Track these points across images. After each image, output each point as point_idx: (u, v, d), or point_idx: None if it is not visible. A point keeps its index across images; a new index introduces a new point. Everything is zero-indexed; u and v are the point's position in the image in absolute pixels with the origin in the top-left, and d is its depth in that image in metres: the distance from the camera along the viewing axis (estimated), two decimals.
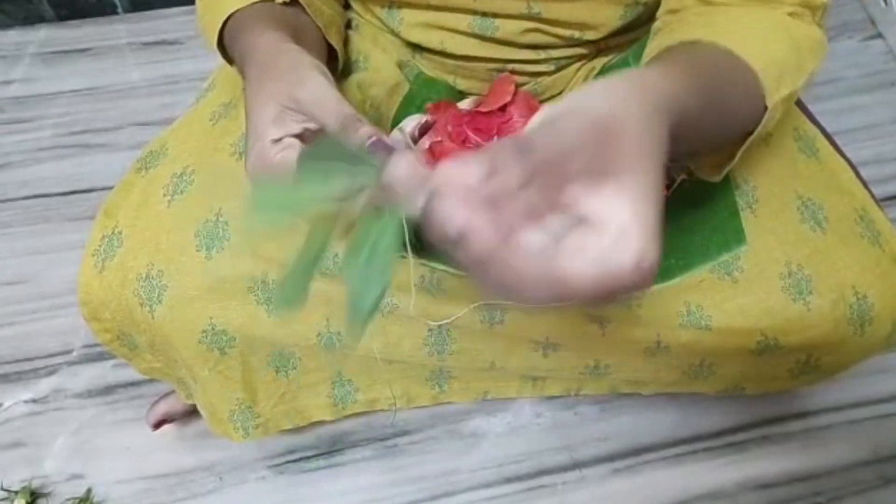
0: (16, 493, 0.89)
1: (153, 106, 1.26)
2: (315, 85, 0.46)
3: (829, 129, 0.70)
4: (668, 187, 0.63)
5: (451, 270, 0.65)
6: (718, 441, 0.93)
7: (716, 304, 0.62)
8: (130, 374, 0.90)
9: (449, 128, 0.68)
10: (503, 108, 0.72)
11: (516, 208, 0.32)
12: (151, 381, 0.92)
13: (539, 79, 0.72)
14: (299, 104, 0.46)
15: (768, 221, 0.61)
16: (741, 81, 0.48)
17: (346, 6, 0.74)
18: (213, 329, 0.61)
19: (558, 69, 0.71)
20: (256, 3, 0.57)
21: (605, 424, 0.94)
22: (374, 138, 0.43)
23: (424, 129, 0.45)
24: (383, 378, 0.72)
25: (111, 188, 0.65)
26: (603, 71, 0.72)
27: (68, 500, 0.89)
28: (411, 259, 0.60)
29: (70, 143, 1.23)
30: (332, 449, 0.93)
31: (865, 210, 0.63)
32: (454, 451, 0.92)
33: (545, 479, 0.90)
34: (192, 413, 0.88)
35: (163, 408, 0.89)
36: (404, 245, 0.36)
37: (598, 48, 0.71)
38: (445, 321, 0.63)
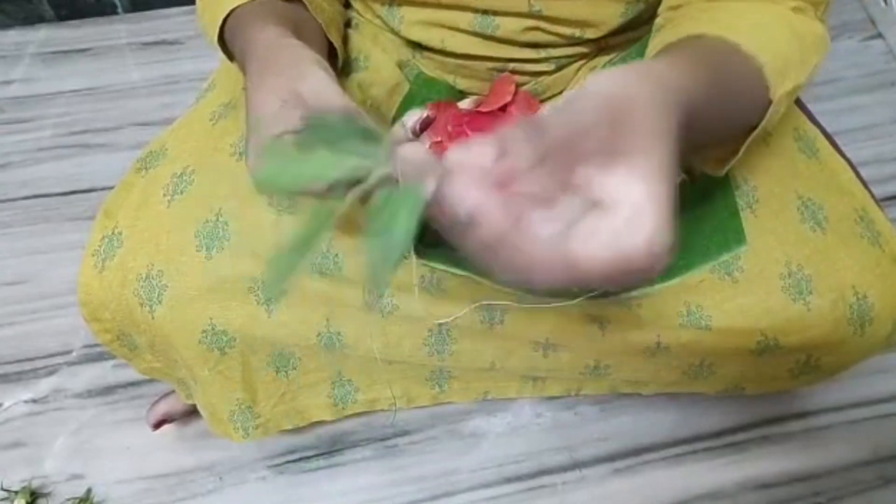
0: (16, 493, 0.89)
1: (153, 106, 1.26)
2: (316, 79, 0.46)
3: (829, 129, 0.70)
4: None
5: (452, 270, 0.65)
6: (718, 441, 0.93)
7: (716, 304, 0.62)
8: (130, 374, 0.90)
9: (449, 128, 0.68)
10: (503, 108, 0.71)
11: (527, 190, 0.32)
12: (151, 381, 0.92)
13: (539, 78, 0.72)
14: (300, 98, 0.45)
15: (768, 221, 0.61)
16: (746, 75, 0.48)
17: (347, 5, 0.74)
18: (213, 329, 0.61)
19: (559, 69, 0.71)
20: None
21: (605, 424, 0.94)
22: None
23: (426, 124, 0.45)
24: (383, 378, 0.72)
25: (111, 188, 0.65)
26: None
27: (68, 500, 0.89)
28: (414, 260, 0.60)
29: (70, 143, 1.23)
30: (332, 449, 0.93)
31: (865, 210, 0.63)
32: (454, 451, 0.92)
33: (545, 479, 0.90)
34: (192, 413, 0.88)
35: (163, 408, 0.89)
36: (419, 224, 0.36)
37: (598, 47, 0.71)
38: (448, 318, 0.63)
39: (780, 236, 0.61)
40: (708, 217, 0.63)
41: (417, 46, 0.72)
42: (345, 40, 0.73)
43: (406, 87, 0.73)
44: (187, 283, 0.59)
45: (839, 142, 0.69)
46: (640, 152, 0.32)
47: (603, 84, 0.35)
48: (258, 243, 0.60)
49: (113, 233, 0.62)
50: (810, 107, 0.71)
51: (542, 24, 0.65)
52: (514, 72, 0.72)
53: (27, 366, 1.00)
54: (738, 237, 0.61)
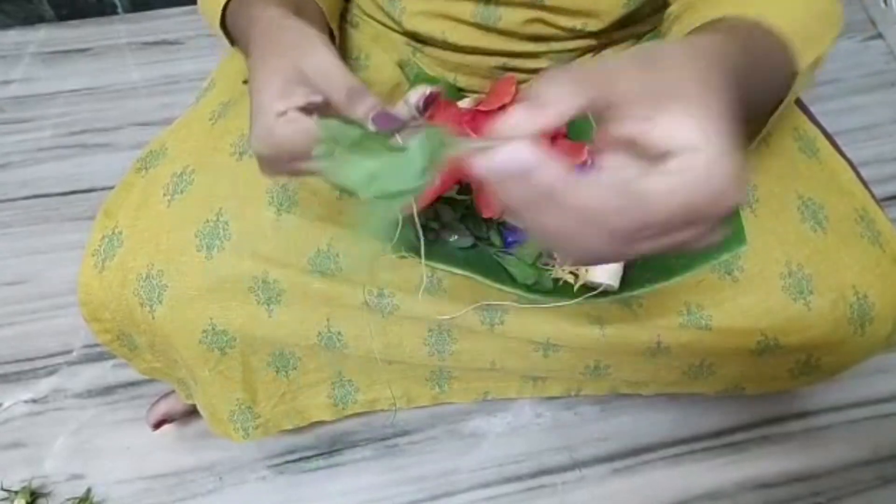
0: (16, 493, 0.89)
1: (153, 106, 1.26)
2: (320, 57, 0.45)
3: (829, 130, 0.70)
4: None
5: (452, 270, 0.66)
6: (718, 441, 0.93)
7: (716, 303, 0.62)
8: (130, 374, 0.90)
9: (449, 127, 0.68)
10: (503, 108, 0.71)
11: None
12: (151, 381, 0.92)
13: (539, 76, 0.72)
14: (304, 76, 0.45)
15: (768, 221, 0.61)
16: (773, 48, 0.48)
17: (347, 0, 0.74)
18: (213, 329, 0.61)
19: (559, 64, 0.71)
20: None
21: (605, 424, 0.94)
22: (379, 109, 0.43)
23: (429, 101, 0.45)
24: (383, 378, 0.72)
25: (111, 188, 0.65)
26: None
27: (68, 500, 0.89)
28: (423, 262, 0.60)
29: (70, 143, 1.23)
30: (332, 449, 0.93)
31: (866, 210, 0.63)
32: (454, 451, 0.92)
33: (545, 479, 0.91)
34: (192, 413, 0.88)
35: (163, 408, 0.89)
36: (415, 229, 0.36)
37: (600, 43, 0.70)
38: (448, 316, 0.63)
39: (781, 236, 0.61)
40: None
41: (418, 42, 0.71)
42: (345, 39, 0.73)
43: (406, 87, 0.73)
44: (187, 282, 0.59)
45: (839, 142, 0.69)
46: (693, 94, 0.33)
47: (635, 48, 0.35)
48: (258, 243, 0.60)
49: (113, 233, 0.62)
50: (811, 107, 0.71)
51: (545, 16, 0.65)
52: (514, 70, 0.72)
53: (27, 366, 1.00)
54: (738, 237, 0.61)
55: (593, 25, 0.66)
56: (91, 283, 0.62)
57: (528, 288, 0.67)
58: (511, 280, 0.67)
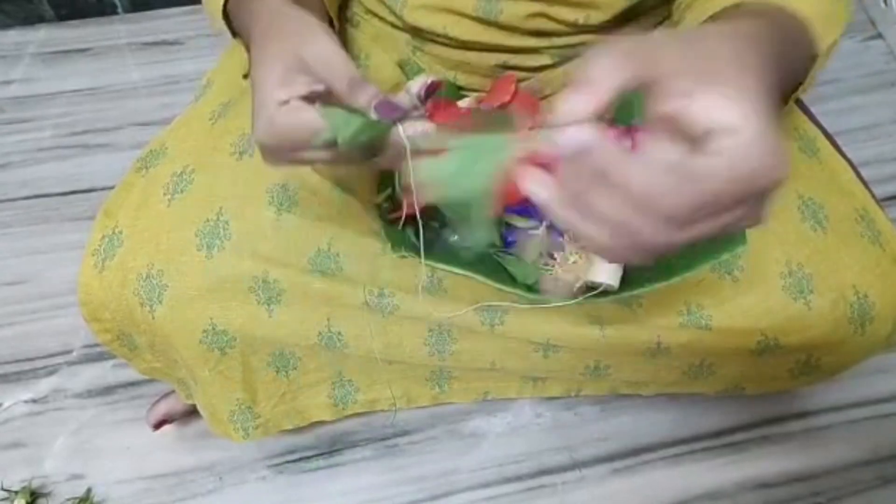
0: (16, 493, 0.89)
1: (153, 106, 1.26)
2: (321, 45, 0.45)
3: (829, 130, 0.70)
4: None
5: (453, 270, 0.66)
6: (718, 441, 0.93)
7: (716, 303, 0.62)
8: (130, 374, 0.90)
9: (449, 126, 0.68)
10: (503, 107, 0.71)
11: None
12: (151, 381, 0.92)
13: (540, 74, 0.72)
14: (306, 64, 0.45)
15: (769, 221, 0.61)
16: (794, 31, 0.48)
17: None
18: (213, 329, 0.61)
19: (559, 62, 0.71)
20: None
21: (605, 424, 0.94)
22: (380, 98, 0.43)
23: (430, 90, 0.45)
24: (383, 378, 0.72)
25: (111, 188, 0.65)
26: None
27: (68, 500, 0.89)
28: (423, 261, 0.60)
29: (70, 143, 1.23)
30: (332, 449, 0.93)
31: (866, 210, 0.63)
32: (454, 451, 0.92)
33: (545, 479, 0.91)
34: (192, 413, 0.88)
35: (163, 408, 0.89)
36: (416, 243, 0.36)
37: (601, 38, 0.70)
38: (449, 315, 0.63)
39: (781, 236, 0.61)
40: None
41: (419, 37, 0.71)
42: (346, 39, 0.73)
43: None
44: (188, 282, 0.59)
45: (840, 142, 0.69)
46: (731, 73, 0.33)
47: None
48: (259, 243, 0.60)
49: (113, 232, 0.62)
50: (811, 107, 0.71)
51: (546, 9, 0.64)
52: (514, 68, 0.72)
53: (27, 366, 1.00)
54: (738, 237, 0.61)
55: (595, 18, 0.65)
56: (91, 282, 0.62)
57: (529, 288, 0.67)
58: (511, 280, 0.67)
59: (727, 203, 0.33)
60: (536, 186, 0.36)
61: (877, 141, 1.19)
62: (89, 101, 1.28)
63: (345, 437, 0.93)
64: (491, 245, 0.69)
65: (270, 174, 0.61)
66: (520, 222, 0.69)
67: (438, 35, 0.68)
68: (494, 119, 0.38)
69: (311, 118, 0.44)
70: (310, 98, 0.45)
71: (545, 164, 0.36)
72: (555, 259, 0.70)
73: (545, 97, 0.74)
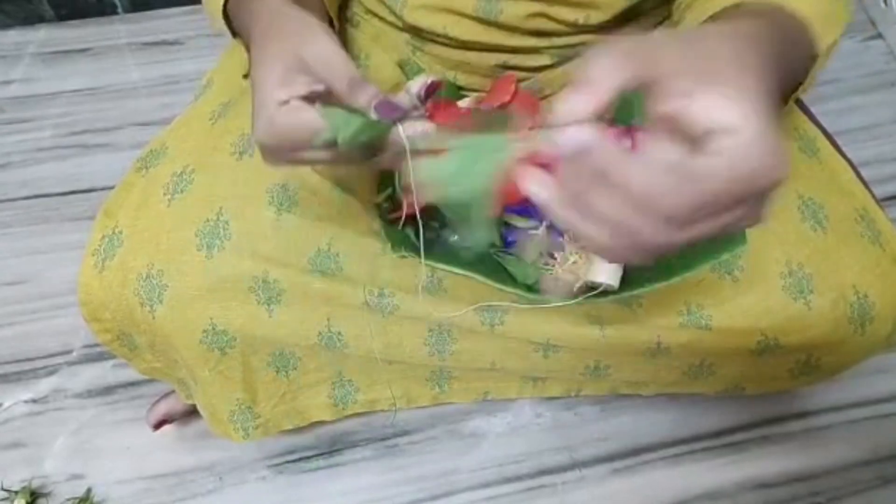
0: (16, 493, 0.89)
1: (153, 106, 1.26)
2: (321, 45, 0.45)
3: (829, 130, 0.70)
4: None
5: (453, 270, 0.66)
6: (718, 441, 0.93)
7: (716, 303, 0.62)
8: (130, 374, 0.90)
9: (449, 126, 0.68)
10: (503, 107, 0.71)
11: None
12: (151, 381, 0.92)
13: (539, 74, 0.72)
14: (305, 64, 0.45)
15: (769, 221, 0.61)
16: (794, 30, 0.48)
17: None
18: (213, 329, 0.61)
19: (559, 62, 0.71)
20: None
21: (605, 424, 0.94)
22: (380, 98, 0.43)
23: (430, 90, 0.45)
24: (383, 378, 0.72)
25: (111, 188, 0.65)
26: None
27: (68, 500, 0.89)
28: (423, 261, 0.60)
29: (70, 143, 1.23)
30: (331, 449, 0.93)
31: (866, 210, 0.63)
32: (454, 451, 0.92)
33: (545, 479, 0.91)
34: (192, 413, 0.88)
35: (163, 408, 0.89)
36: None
37: (600, 38, 0.70)
38: (449, 314, 0.63)
39: (781, 236, 0.61)
40: None
41: (418, 37, 0.71)
42: (345, 39, 0.73)
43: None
44: (188, 282, 0.59)
45: (840, 142, 0.69)
46: (732, 73, 0.33)
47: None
48: (259, 243, 0.60)
49: (113, 232, 0.62)
50: (811, 107, 0.71)
51: (546, 9, 0.64)
52: (514, 68, 0.72)
53: (27, 366, 1.00)
54: (738, 236, 0.61)
55: (595, 18, 0.65)
56: (91, 282, 0.62)
57: (529, 288, 0.67)
58: (511, 280, 0.67)
59: (727, 203, 0.33)
60: (536, 186, 0.36)
61: (877, 141, 1.20)
62: (89, 101, 1.28)
63: (345, 437, 0.93)
64: (491, 245, 0.69)
65: (270, 174, 0.61)
66: (520, 222, 0.69)
67: (438, 35, 0.68)
68: (494, 119, 0.38)
69: (311, 118, 0.44)
70: (310, 98, 0.45)
71: (545, 165, 0.36)
72: (555, 259, 0.70)
73: (545, 97, 0.74)
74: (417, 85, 0.45)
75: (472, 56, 0.70)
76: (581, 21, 0.65)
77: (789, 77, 0.50)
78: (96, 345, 0.97)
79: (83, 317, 0.65)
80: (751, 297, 0.61)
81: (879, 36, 1.33)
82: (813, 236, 0.61)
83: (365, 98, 0.43)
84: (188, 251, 0.59)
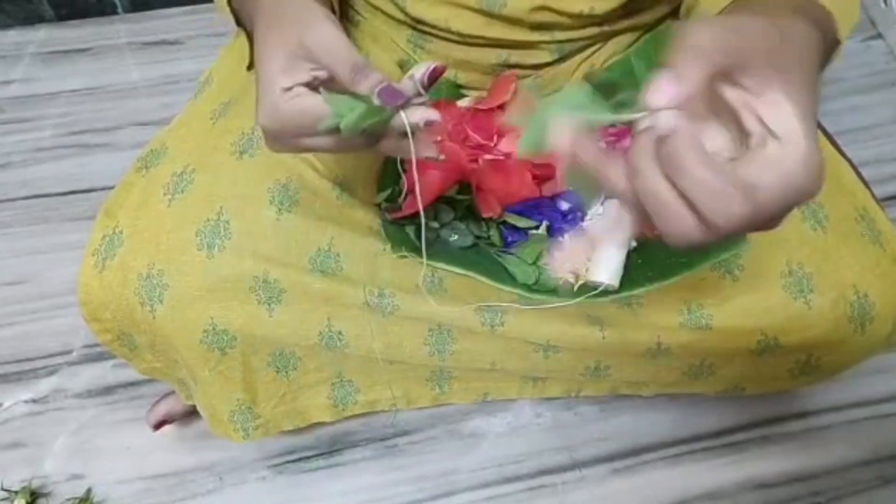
0: (16, 493, 0.89)
1: (153, 106, 1.26)
2: (324, 31, 0.45)
3: (830, 130, 0.70)
4: None
5: (454, 270, 0.66)
6: (718, 441, 0.93)
7: (716, 302, 0.62)
8: (130, 374, 0.90)
9: (449, 126, 0.69)
10: (503, 106, 0.72)
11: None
12: (151, 381, 0.92)
13: (540, 71, 0.72)
14: (308, 51, 0.44)
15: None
16: (822, 20, 0.47)
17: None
18: (213, 329, 0.61)
19: (560, 59, 0.71)
20: None
21: (605, 424, 0.94)
22: (384, 84, 0.43)
23: (434, 76, 0.45)
24: (384, 379, 0.72)
25: (111, 188, 0.65)
26: (604, 68, 0.72)
27: (68, 500, 0.89)
28: (424, 260, 0.60)
29: (70, 143, 1.22)
30: (331, 449, 0.93)
31: (866, 210, 0.63)
32: (454, 451, 0.92)
33: (545, 479, 0.91)
34: (192, 413, 0.88)
35: (163, 408, 0.89)
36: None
37: (602, 32, 0.70)
38: (451, 309, 0.63)
39: (781, 235, 0.61)
40: None
41: (421, 31, 0.71)
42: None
43: None
44: (188, 282, 0.59)
45: (840, 142, 0.69)
46: (796, 80, 0.33)
47: (762, 14, 0.36)
48: (259, 242, 0.60)
49: (113, 232, 0.61)
50: None
51: (550, 2, 0.64)
52: (514, 66, 0.72)
53: (27, 366, 1.00)
54: (739, 236, 0.61)
55: (600, 8, 0.65)
56: (91, 282, 0.62)
57: (529, 287, 0.67)
58: (511, 280, 0.68)
59: (769, 219, 0.33)
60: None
61: (877, 141, 1.20)
62: (89, 101, 1.28)
63: (345, 437, 0.93)
64: (491, 245, 0.69)
65: (271, 174, 0.61)
66: (520, 222, 0.70)
67: (440, 29, 0.68)
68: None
69: (314, 104, 0.44)
70: (313, 85, 0.45)
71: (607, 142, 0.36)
72: (555, 259, 0.70)
73: (545, 95, 0.74)
74: (421, 71, 0.45)
75: (473, 53, 0.70)
76: (586, 11, 0.65)
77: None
78: (96, 345, 0.97)
79: (83, 317, 0.65)
80: (751, 297, 0.61)
81: (879, 36, 1.33)
82: (813, 236, 0.61)
83: (368, 84, 0.43)
84: (188, 251, 0.59)
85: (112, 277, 0.61)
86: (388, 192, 0.68)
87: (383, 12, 0.72)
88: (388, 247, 0.65)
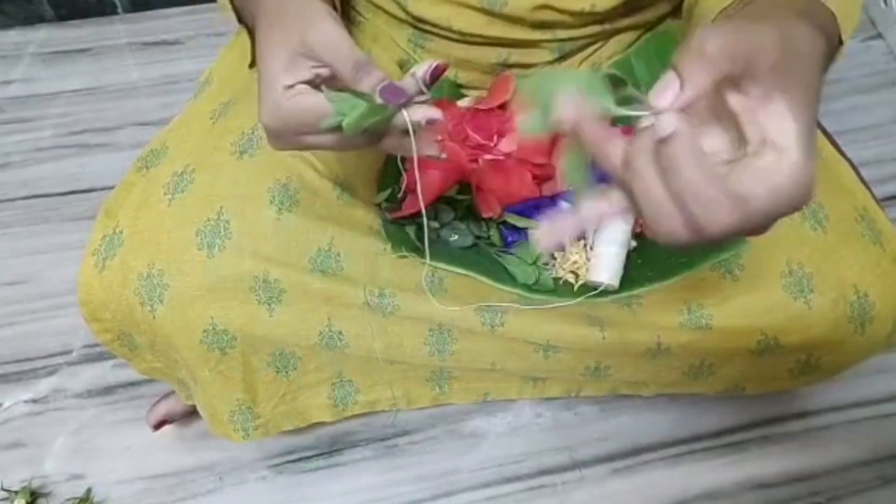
0: (16, 493, 0.89)
1: (153, 106, 1.26)
2: (325, 29, 0.45)
3: (830, 130, 0.70)
4: None
5: (454, 270, 0.66)
6: (718, 441, 0.93)
7: (716, 302, 0.62)
8: (130, 374, 0.90)
9: (449, 126, 0.69)
10: (502, 106, 0.72)
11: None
12: (151, 381, 0.92)
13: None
14: (310, 49, 0.44)
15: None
16: (828, 22, 0.48)
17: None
18: (213, 329, 0.61)
19: (561, 57, 0.71)
20: None
21: (605, 424, 0.94)
22: (386, 82, 0.43)
23: (437, 74, 0.45)
24: (384, 379, 0.72)
25: (111, 188, 0.65)
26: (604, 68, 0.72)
27: (68, 500, 0.89)
28: (427, 259, 0.60)
29: (70, 143, 1.23)
30: (331, 449, 0.93)
31: (866, 209, 0.63)
32: (454, 451, 0.92)
33: (545, 479, 0.91)
34: (192, 413, 0.88)
35: (163, 409, 0.89)
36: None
37: (603, 30, 0.70)
38: (451, 308, 0.63)
39: (781, 235, 0.61)
40: None
41: (421, 30, 0.71)
42: None
43: None
44: (188, 282, 0.59)
45: (841, 142, 0.69)
46: (799, 91, 0.33)
47: (770, 18, 0.36)
48: (259, 242, 0.60)
49: (114, 232, 0.61)
50: None
51: (552, 0, 0.64)
52: (514, 66, 0.72)
53: (27, 366, 1.00)
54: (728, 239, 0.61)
55: (601, 5, 0.65)
56: (91, 282, 0.62)
57: (529, 287, 0.67)
58: (512, 279, 0.68)
59: (757, 226, 0.34)
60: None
61: (878, 141, 1.20)
62: (89, 101, 1.28)
63: (345, 437, 0.93)
64: (491, 245, 0.69)
65: (271, 174, 0.61)
66: (520, 222, 0.70)
67: (442, 28, 0.68)
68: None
69: (317, 102, 0.44)
70: (315, 83, 0.45)
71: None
72: (555, 259, 0.70)
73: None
74: (423, 68, 0.45)
75: (473, 52, 0.70)
76: (587, 9, 0.65)
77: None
78: (96, 345, 0.97)
79: (83, 317, 0.65)
80: (751, 297, 0.61)
81: (879, 36, 1.33)
82: (813, 236, 0.61)
83: (370, 82, 0.43)
84: (189, 251, 0.59)
85: (112, 277, 0.61)
86: (389, 191, 0.68)
87: (384, 11, 0.72)
88: (389, 247, 0.65)
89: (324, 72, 0.45)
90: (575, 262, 0.69)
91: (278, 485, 0.91)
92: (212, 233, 0.59)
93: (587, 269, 0.68)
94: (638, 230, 0.68)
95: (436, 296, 0.63)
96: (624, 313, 0.66)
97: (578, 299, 0.65)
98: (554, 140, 0.71)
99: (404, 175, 0.64)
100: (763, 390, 0.73)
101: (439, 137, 0.66)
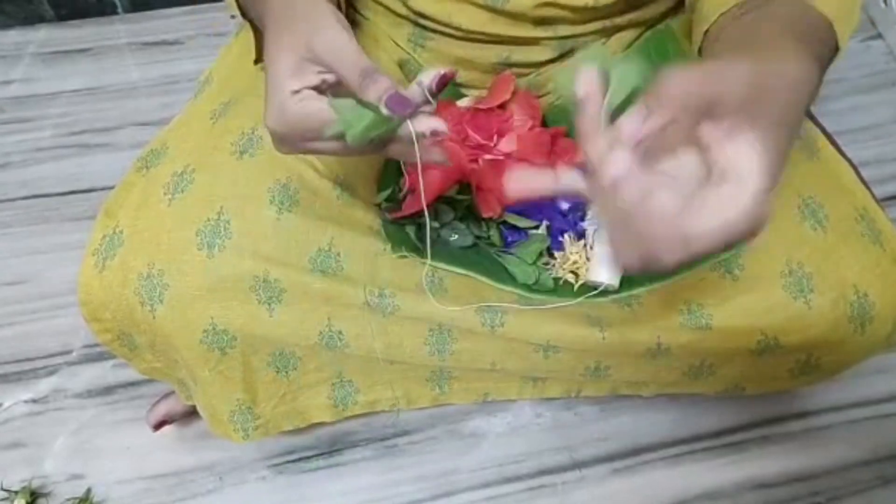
0: (16, 493, 0.89)
1: (153, 106, 1.26)
2: (332, 35, 0.44)
3: (830, 130, 0.70)
4: None
5: (454, 270, 0.66)
6: (718, 441, 0.93)
7: (716, 302, 0.62)
8: (130, 374, 0.90)
9: (449, 126, 0.68)
10: (502, 106, 0.72)
11: (658, 142, 0.35)
12: (151, 381, 0.92)
13: (540, 69, 0.72)
14: (317, 55, 0.44)
15: (769, 221, 0.61)
16: (822, 30, 0.48)
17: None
18: (214, 329, 0.61)
19: (561, 55, 0.71)
20: None
21: (604, 424, 0.94)
22: (392, 91, 0.43)
23: (443, 82, 0.45)
24: (384, 379, 0.72)
25: (111, 188, 0.65)
26: None
27: (68, 500, 0.89)
28: (428, 259, 0.60)
29: (70, 143, 1.23)
30: (331, 449, 0.93)
31: (866, 209, 0.63)
32: (454, 451, 0.92)
33: (545, 479, 0.91)
34: (192, 414, 0.88)
35: (163, 409, 0.89)
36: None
37: (603, 27, 0.70)
38: (451, 308, 0.64)
39: (781, 235, 0.61)
40: None
41: (423, 27, 0.71)
42: None
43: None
44: (188, 282, 0.59)
45: (841, 142, 0.69)
46: (767, 126, 0.34)
47: (750, 57, 0.38)
48: (259, 242, 0.60)
49: (114, 232, 0.61)
50: (812, 107, 0.71)
51: None
52: (515, 64, 0.72)
53: (27, 366, 1.00)
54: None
55: (603, 0, 0.65)
56: (91, 282, 0.62)
57: (529, 287, 0.67)
58: (512, 279, 0.68)
59: (701, 256, 0.35)
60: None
61: (878, 141, 1.20)
62: (89, 101, 1.28)
63: (345, 437, 0.93)
64: (491, 245, 0.69)
65: (271, 174, 0.61)
66: (520, 222, 0.70)
67: (443, 24, 0.68)
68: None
69: (321, 109, 0.44)
70: (321, 88, 0.45)
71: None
72: (555, 259, 0.70)
73: (544, 95, 0.75)
74: (430, 76, 0.44)
75: (474, 50, 0.70)
76: (590, 4, 0.65)
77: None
78: (96, 345, 0.97)
79: (83, 317, 0.65)
80: (751, 297, 0.61)
81: (879, 36, 1.33)
82: (813, 236, 0.61)
83: (376, 90, 0.43)
84: (189, 251, 0.59)
85: (112, 277, 0.61)
86: (389, 191, 0.68)
87: (386, 8, 0.72)
88: (389, 247, 0.65)
89: (330, 77, 0.45)
90: (575, 262, 0.69)
91: (278, 485, 0.91)
92: (212, 233, 0.59)
93: (587, 269, 0.68)
94: None
95: (436, 296, 0.63)
96: (624, 313, 0.66)
97: (578, 299, 0.65)
98: (554, 140, 0.71)
99: (404, 175, 0.64)
100: (763, 390, 0.73)
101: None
